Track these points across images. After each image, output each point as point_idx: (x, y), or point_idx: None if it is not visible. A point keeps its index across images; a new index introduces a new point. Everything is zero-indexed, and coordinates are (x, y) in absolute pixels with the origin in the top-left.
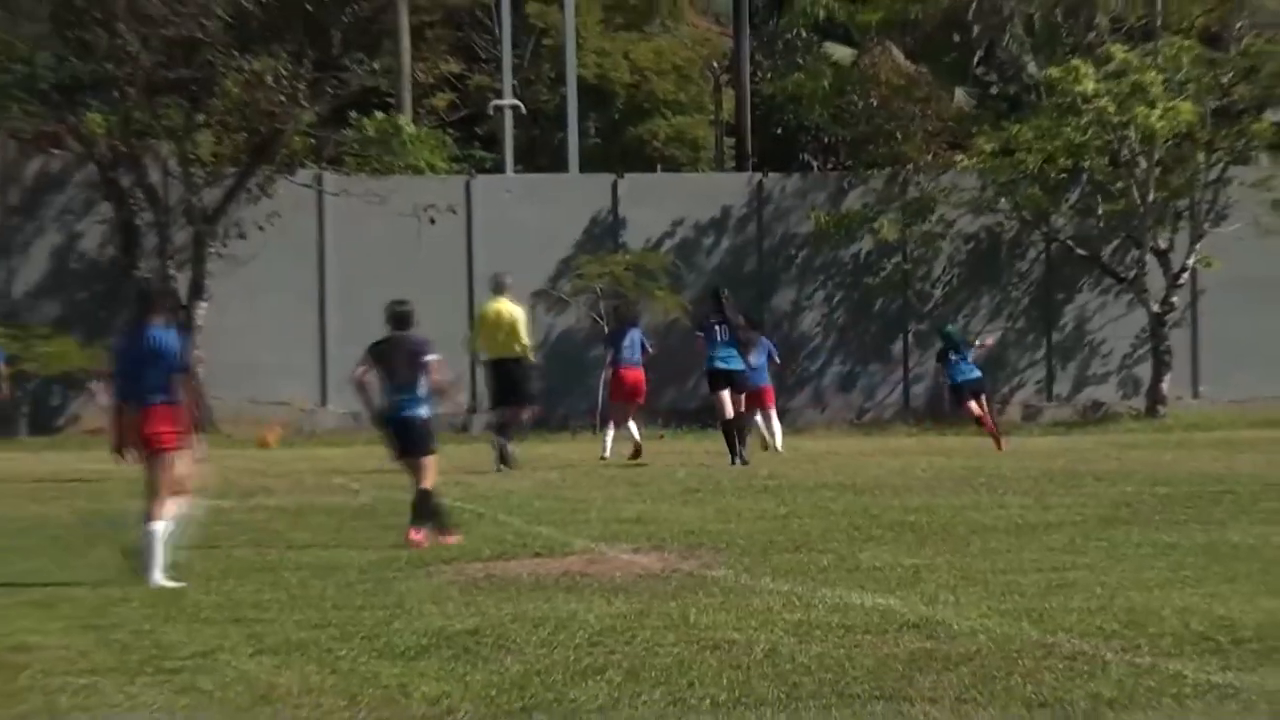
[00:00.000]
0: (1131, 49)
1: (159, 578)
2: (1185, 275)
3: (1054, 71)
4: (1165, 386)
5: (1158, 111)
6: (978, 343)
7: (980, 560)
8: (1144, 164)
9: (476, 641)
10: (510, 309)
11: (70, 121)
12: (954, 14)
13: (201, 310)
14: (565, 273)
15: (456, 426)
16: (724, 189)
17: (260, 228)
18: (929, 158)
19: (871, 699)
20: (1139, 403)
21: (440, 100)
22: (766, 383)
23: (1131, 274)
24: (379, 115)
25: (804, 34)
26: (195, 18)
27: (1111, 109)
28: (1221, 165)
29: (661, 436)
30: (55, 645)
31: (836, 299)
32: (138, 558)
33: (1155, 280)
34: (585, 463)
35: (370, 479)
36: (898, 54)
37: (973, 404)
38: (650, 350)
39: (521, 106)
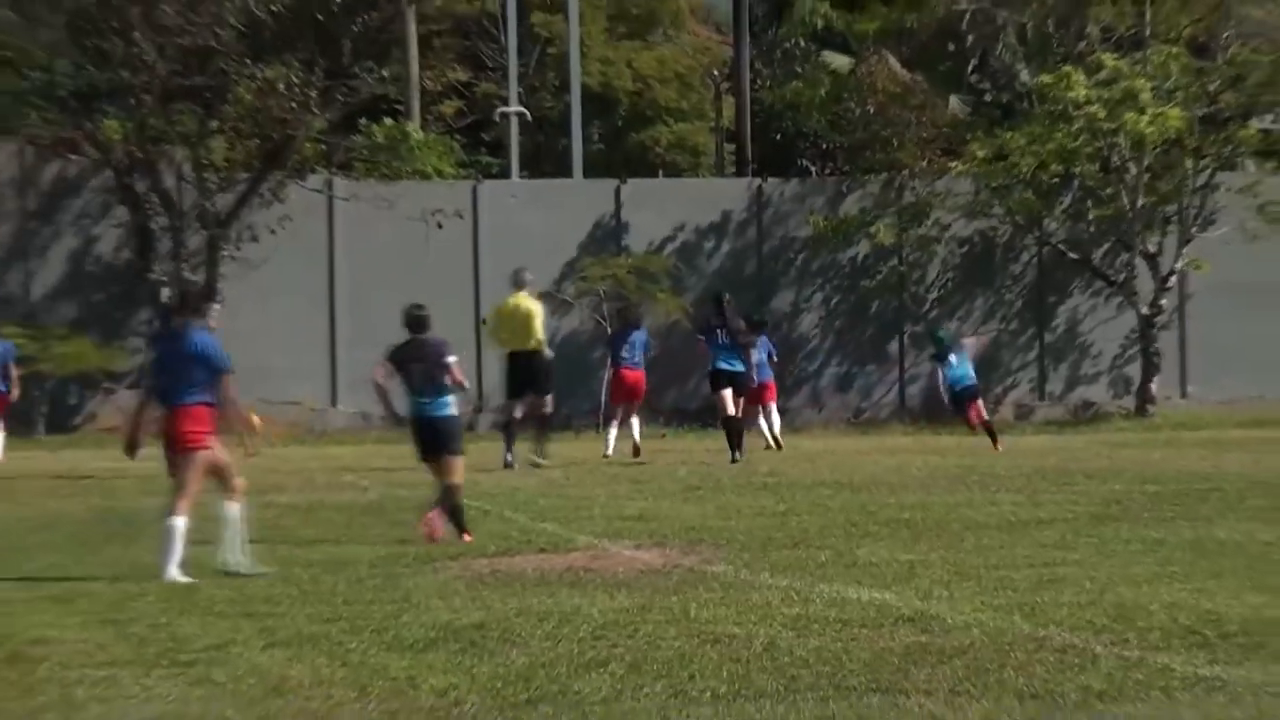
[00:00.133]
0: (1121, 58)
1: (174, 573)
2: (1174, 279)
3: (1046, 78)
4: (1154, 387)
5: (1147, 118)
6: (974, 337)
7: (974, 556)
8: (1134, 170)
9: (483, 635)
10: (528, 303)
11: (87, 128)
12: (948, 24)
13: (214, 312)
14: (569, 275)
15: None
16: (724, 194)
17: (272, 231)
18: (924, 163)
19: (868, 691)
20: (1129, 403)
21: (448, 107)
22: (768, 378)
23: (1121, 277)
24: (388, 122)
25: (802, 43)
26: (209, 27)
27: (1102, 115)
28: (1209, 171)
29: (663, 436)
30: (73, 639)
31: (834, 301)
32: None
33: (1144, 283)
34: (589, 461)
35: (379, 477)
36: (894, 62)
37: (972, 410)
38: (651, 352)
39: (527, 113)
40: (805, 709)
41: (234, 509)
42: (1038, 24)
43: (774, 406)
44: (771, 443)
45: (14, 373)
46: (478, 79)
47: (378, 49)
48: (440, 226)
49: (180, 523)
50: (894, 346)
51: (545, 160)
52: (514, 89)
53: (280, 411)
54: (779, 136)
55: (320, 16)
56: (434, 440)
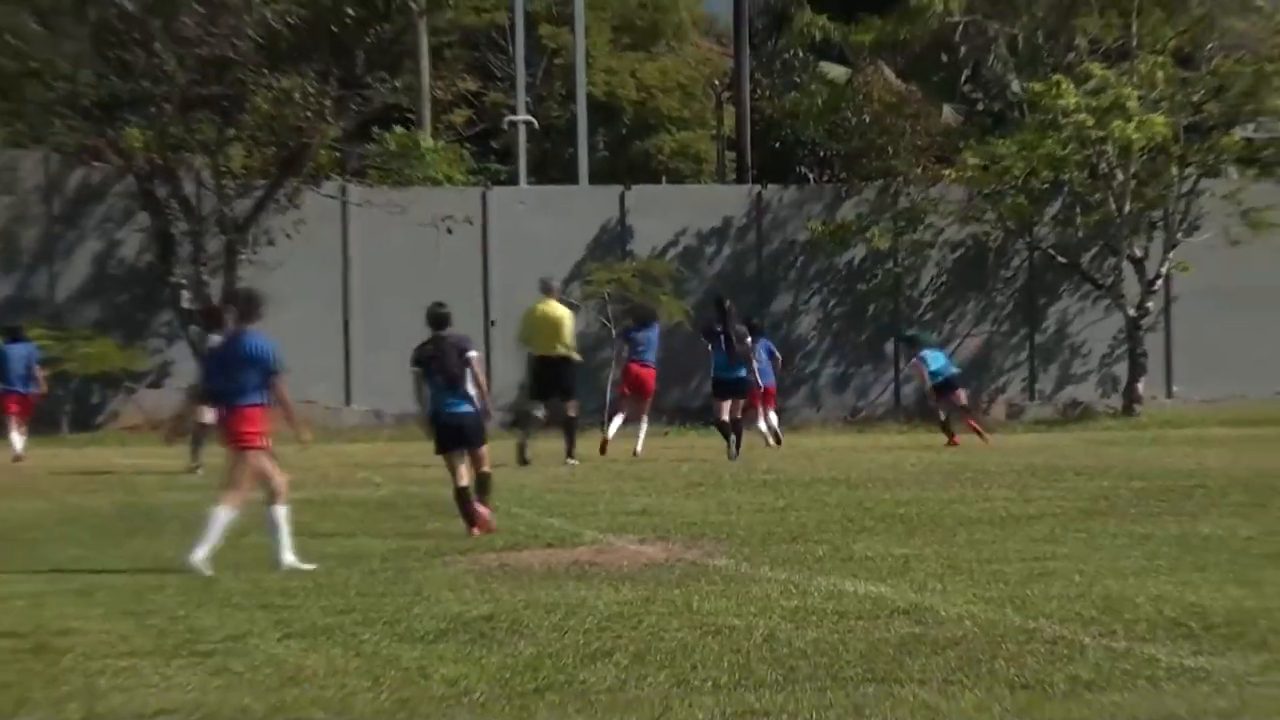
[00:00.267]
0: (1109, 68)
1: (201, 557)
2: (1159, 282)
3: (1036, 87)
4: (1141, 387)
5: (1134, 125)
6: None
7: (966, 550)
8: (1121, 177)
9: (492, 626)
10: (557, 310)
11: (110, 136)
12: (942, 35)
13: (230, 314)
14: (576, 279)
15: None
16: (725, 200)
17: (288, 236)
18: (919, 171)
19: (864, 681)
20: (1116, 402)
21: (458, 116)
22: (771, 382)
23: (1109, 280)
24: (400, 130)
25: (801, 54)
26: (228, 38)
27: (1090, 123)
28: (1193, 178)
29: (666, 434)
30: (96, 630)
31: (831, 304)
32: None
33: (1131, 286)
34: (594, 458)
35: (391, 473)
36: (889, 73)
37: (954, 398)
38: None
39: (534, 122)
40: (804, 698)
41: (280, 511)
42: (1028, 36)
43: (773, 409)
44: (771, 440)
45: (39, 373)
46: (487, 89)
47: (390, 60)
48: (450, 231)
49: (225, 513)
50: (889, 348)
51: (552, 167)
52: (522, 98)
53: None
54: (778, 145)
55: (335, 28)
56: (457, 435)
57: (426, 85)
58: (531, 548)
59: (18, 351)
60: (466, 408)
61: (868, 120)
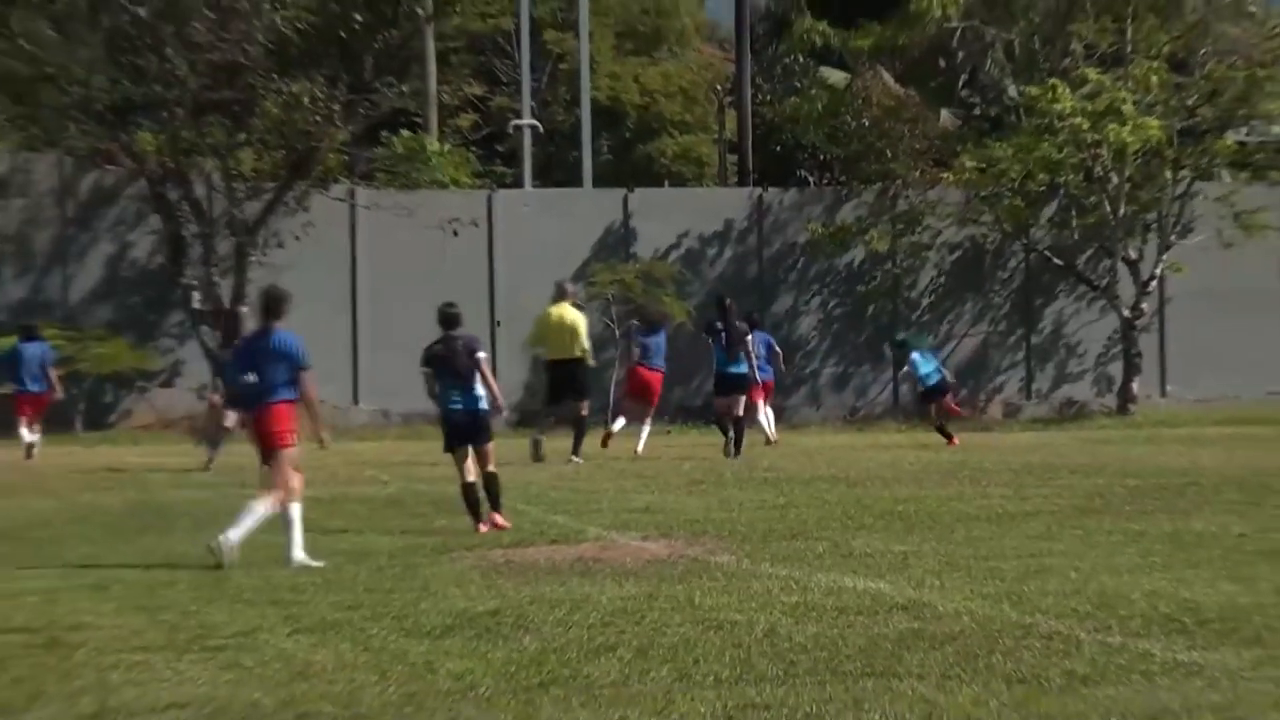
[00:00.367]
0: (1104, 73)
1: (233, 541)
2: (1154, 283)
3: (1033, 90)
4: (1135, 386)
5: (1129, 128)
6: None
7: (964, 547)
8: (1115, 180)
9: (497, 622)
10: (572, 314)
11: (123, 140)
12: (940, 41)
13: (242, 315)
14: (580, 280)
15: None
16: (727, 203)
17: (297, 238)
18: (917, 174)
19: (863, 675)
20: (1111, 401)
21: (464, 120)
22: (769, 377)
23: (1104, 282)
24: (407, 134)
25: (801, 59)
26: (238, 44)
27: (1086, 127)
28: (1187, 181)
29: (668, 432)
30: (109, 625)
31: (831, 305)
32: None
33: (1126, 288)
34: (597, 456)
35: (398, 471)
36: (888, 78)
37: (944, 402)
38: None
39: (539, 126)
40: (804, 692)
41: (296, 509)
42: (1024, 41)
43: (768, 404)
44: (771, 436)
45: (53, 374)
46: (492, 93)
47: (398, 65)
48: (456, 234)
49: (263, 507)
50: (888, 348)
51: (557, 170)
52: (527, 103)
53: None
54: (779, 148)
55: (343, 34)
56: (466, 432)
57: (433, 90)
58: (536, 544)
59: (32, 350)
60: (474, 406)
61: (867, 124)
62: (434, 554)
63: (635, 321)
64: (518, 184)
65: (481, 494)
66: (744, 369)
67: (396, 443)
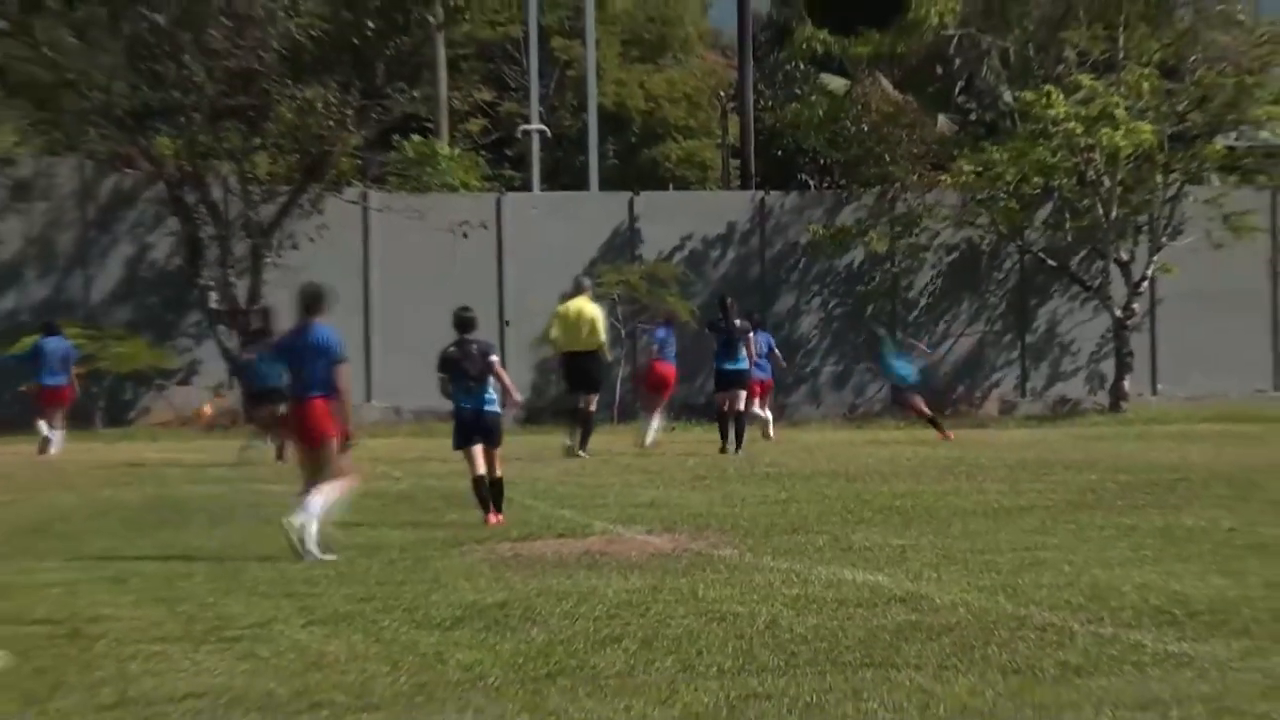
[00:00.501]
0: (1097, 79)
1: (309, 539)
2: (1145, 284)
3: (1028, 96)
4: (1127, 384)
5: (1121, 132)
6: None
7: (960, 541)
8: (1108, 183)
9: (505, 614)
10: (590, 308)
11: (142, 144)
12: (937, 48)
13: (256, 315)
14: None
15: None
16: (730, 206)
17: (311, 240)
18: (915, 177)
19: (862, 666)
20: (1104, 399)
21: (474, 125)
22: (768, 376)
23: (1097, 283)
24: (418, 139)
25: (802, 66)
26: (254, 51)
27: (1079, 131)
28: (1177, 185)
29: (672, 429)
30: (127, 617)
31: (831, 305)
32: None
33: (1118, 288)
34: (603, 452)
35: (410, 468)
36: (886, 84)
37: (917, 400)
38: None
39: (547, 131)
40: (804, 682)
41: (317, 501)
42: (1019, 48)
43: (766, 402)
44: (769, 433)
45: (73, 370)
46: (501, 99)
47: (409, 71)
48: (466, 236)
49: (341, 491)
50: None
51: (564, 174)
52: (535, 108)
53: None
54: (780, 153)
55: (356, 41)
56: (477, 432)
57: (444, 95)
58: (544, 538)
59: (53, 346)
60: (486, 407)
61: (866, 129)
62: (444, 548)
63: (645, 318)
64: (526, 187)
65: None
66: (742, 365)
67: (408, 439)
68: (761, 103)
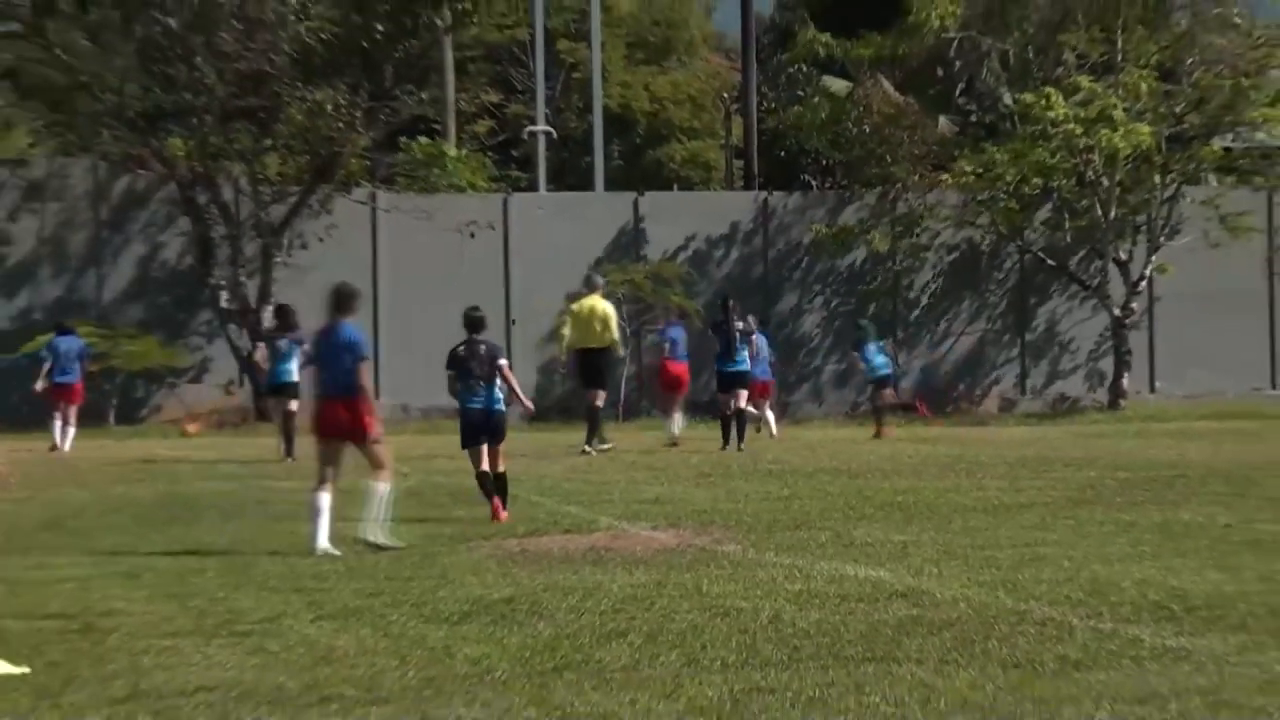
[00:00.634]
0: (1095, 81)
1: (373, 532)
2: (1143, 283)
3: (1027, 98)
4: (1125, 382)
5: (1120, 133)
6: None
7: (961, 537)
8: (1106, 184)
9: (512, 608)
10: (603, 305)
11: (154, 146)
12: (938, 51)
13: (267, 313)
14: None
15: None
16: (733, 206)
17: (320, 240)
18: (916, 178)
19: (864, 660)
20: (1102, 396)
21: (481, 127)
22: (769, 377)
23: (1095, 282)
24: (426, 140)
25: (804, 68)
26: (264, 54)
27: (1078, 132)
28: (1175, 185)
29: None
30: (140, 611)
31: (834, 304)
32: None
33: (1116, 288)
34: (610, 447)
35: (418, 464)
36: (888, 86)
37: (887, 393)
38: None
39: (553, 132)
40: (807, 676)
41: (325, 499)
42: (1019, 51)
43: (769, 403)
44: (771, 430)
45: (84, 366)
46: (508, 101)
47: (417, 74)
48: (473, 236)
49: (383, 487)
50: (888, 345)
51: (570, 175)
52: (541, 110)
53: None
54: (783, 154)
55: (365, 44)
56: (482, 429)
57: (451, 97)
58: (550, 534)
59: (67, 344)
60: (491, 406)
61: (868, 130)
62: (452, 543)
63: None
64: (532, 188)
65: None
66: (743, 367)
67: (416, 437)
68: (764, 104)
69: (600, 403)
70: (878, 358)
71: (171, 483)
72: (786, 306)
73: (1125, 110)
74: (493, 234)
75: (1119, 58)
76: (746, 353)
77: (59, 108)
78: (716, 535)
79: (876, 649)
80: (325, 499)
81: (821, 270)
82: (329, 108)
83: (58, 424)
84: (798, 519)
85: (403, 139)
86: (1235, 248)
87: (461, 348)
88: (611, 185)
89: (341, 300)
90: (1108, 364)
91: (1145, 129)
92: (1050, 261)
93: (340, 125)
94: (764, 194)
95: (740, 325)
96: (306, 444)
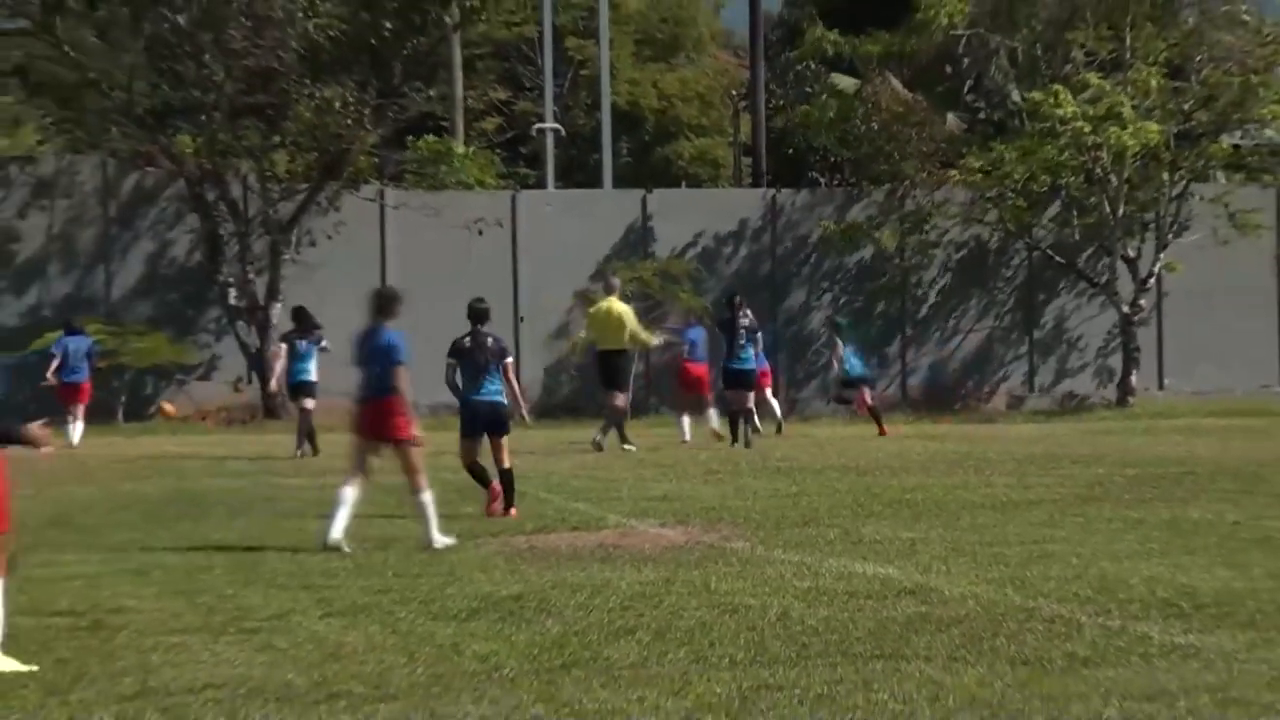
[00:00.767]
0: (1104, 78)
1: (436, 538)
2: (1151, 280)
3: (1036, 95)
4: (1134, 379)
5: (1128, 130)
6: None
7: (969, 534)
8: (1115, 181)
9: (520, 605)
10: (620, 306)
11: (162, 142)
12: (946, 48)
13: (276, 310)
14: (600, 280)
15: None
16: (742, 203)
17: (329, 237)
18: (924, 175)
19: (872, 657)
20: (1111, 394)
21: (489, 124)
22: (765, 366)
23: (1104, 279)
24: (434, 137)
25: (813, 66)
26: (273, 50)
27: (1087, 130)
28: (1183, 183)
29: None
30: (149, 608)
31: (841, 301)
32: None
33: (1125, 285)
34: (613, 447)
35: (425, 460)
36: (896, 83)
37: (865, 394)
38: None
39: (561, 129)
40: (815, 673)
41: (349, 493)
42: (1027, 48)
43: (768, 392)
44: (777, 425)
45: (92, 362)
46: (516, 98)
47: (426, 71)
48: (481, 233)
49: (427, 496)
50: (896, 343)
51: (578, 172)
52: (549, 107)
53: (336, 401)
54: (791, 151)
55: (373, 41)
56: (483, 421)
57: (460, 94)
58: (559, 531)
59: (76, 343)
60: (494, 397)
61: (876, 128)
62: (460, 540)
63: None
64: (540, 185)
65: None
66: (749, 365)
67: (423, 433)
68: (773, 102)
69: (621, 403)
70: (854, 358)
71: (180, 479)
72: (795, 303)
73: (1134, 107)
74: (501, 231)
75: (1127, 55)
76: (753, 350)
77: (68, 105)
78: (725, 532)
79: (885, 646)
80: (350, 493)
81: (830, 267)
82: (337, 105)
83: (69, 424)
84: (806, 516)
85: (411, 136)
86: (1244, 245)
87: (466, 339)
88: (620, 182)
89: (383, 303)
90: (1116, 361)
91: (1154, 126)
92: (1058, 259)
93: (348, 122)
94: (772, 191)
95: (746, 322)
96: (327, 442)
